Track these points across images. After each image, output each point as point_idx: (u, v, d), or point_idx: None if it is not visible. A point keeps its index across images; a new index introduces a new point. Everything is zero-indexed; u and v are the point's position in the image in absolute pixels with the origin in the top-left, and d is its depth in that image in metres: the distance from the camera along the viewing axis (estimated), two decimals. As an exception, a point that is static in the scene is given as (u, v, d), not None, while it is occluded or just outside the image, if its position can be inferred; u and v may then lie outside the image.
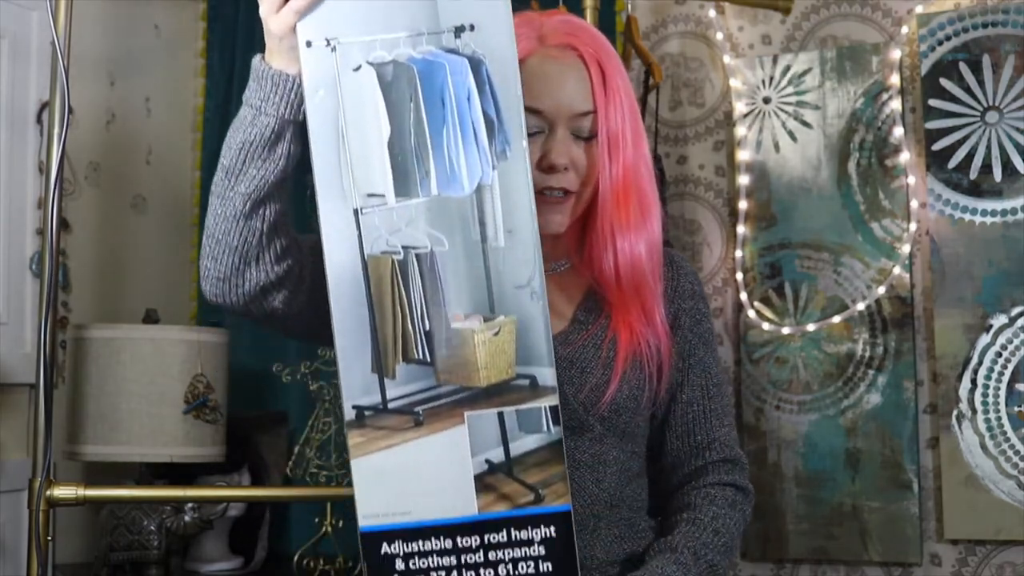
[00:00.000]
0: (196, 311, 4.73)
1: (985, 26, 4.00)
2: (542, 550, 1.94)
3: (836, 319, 4.12)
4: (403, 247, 1.94)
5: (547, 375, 1.95)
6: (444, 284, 1.94)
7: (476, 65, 1.94)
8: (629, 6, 4.18)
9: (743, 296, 4.20)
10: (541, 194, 2.17)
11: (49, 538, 3.27)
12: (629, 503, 2.33)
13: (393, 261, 1.94)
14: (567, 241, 2.33)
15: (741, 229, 4.22)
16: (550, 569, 1.95)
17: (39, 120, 3.93)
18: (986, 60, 3.99)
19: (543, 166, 2.19)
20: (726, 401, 2.41)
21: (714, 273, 4.29)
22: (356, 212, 1.94)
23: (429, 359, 1.94)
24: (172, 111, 4.73)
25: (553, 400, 1.95)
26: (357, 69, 1.93)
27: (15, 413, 3.88)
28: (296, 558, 4.05)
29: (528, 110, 2.10)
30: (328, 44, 1.94)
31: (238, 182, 2.07)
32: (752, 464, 4.16)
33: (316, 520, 4.02)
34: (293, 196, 2.18)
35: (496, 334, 1.94)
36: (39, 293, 3.26)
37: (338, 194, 1.94)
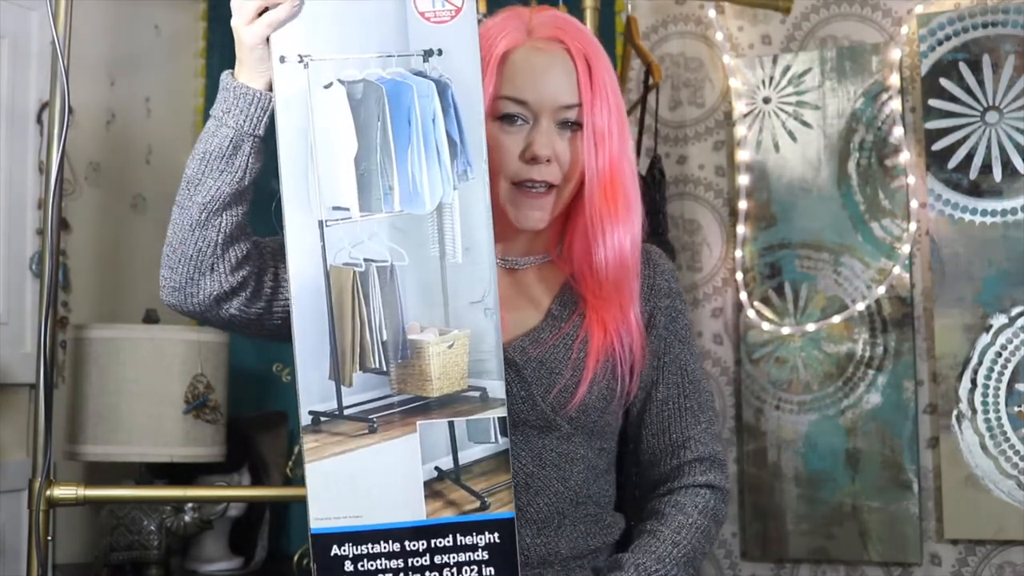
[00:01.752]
0: (196, 311, 4.73)
1: (985, 26, 4.00)
2: (486, 555, 1.99)
3: (836, 319, 4.12)
4: (364, 260, 1.99)
5: (497, 388, 2.00)
6: (402, 297, 1.99)
7: (442, 88, 1.99)
8: (629, 6, 4.18)
9: (743, 296, 4.20)
10: (522, 187, 2.21)
11: (49, 538, 3.28)
12: (596, 499, 2.32)
13: (354, 273, 1.99)
14: (548, 235, 2.34)
15: (741, 229, 4.22)
16: (493, 573, 1.99)
17: (39, 120, 3.93)
18: (986, 60, 3.99)
19: (526, 157, 2.20)
20: (704, 398, 2.39)
21: (714, 273, 4.29)
22: (321, 224, 1.98)
23: (385, 368, 1.99)
24: (172, 111, 4.73)
25: (502, 412, 2.00)
26: (328, 86, 1.99)
27: (15, 413, 3.89)
28: (296, 558, 4.05)
29: (513, 100, 2.18)
30: (301, 60, 2.00)
31: (196, 192, 2.14)
32: (752, 464, 4.16)
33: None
34: (259, 204, 2.21)
35: (450, 347, 2.00)
36: (39, 293, 3.26)
37: (304, 206, 1.99)
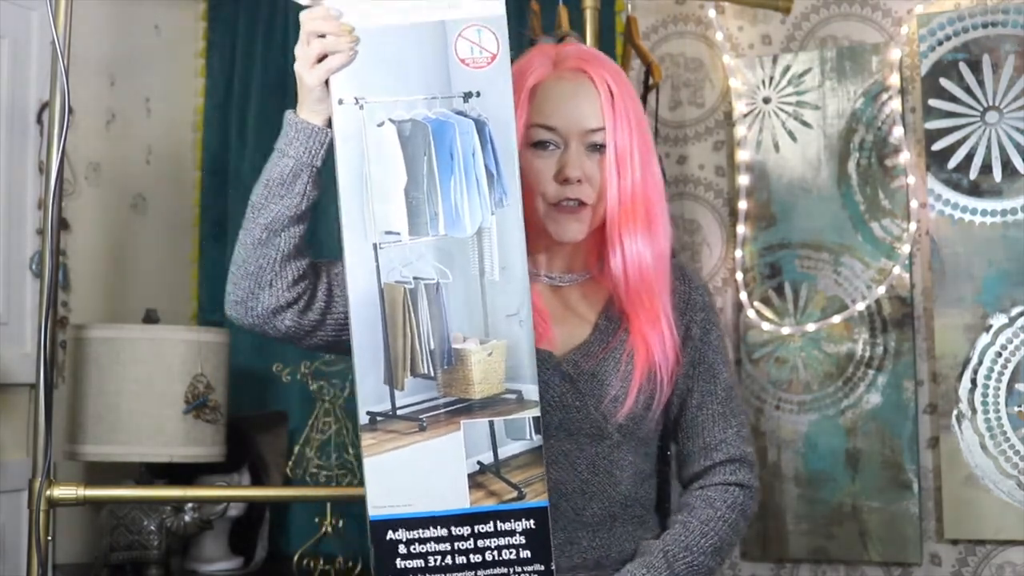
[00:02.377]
0: (196, 311, 4.74)
1: (985, 26, 4.00)
2: (522, 539, 2.21)
3: (836, 319, 4.12)
4: (414, 278, 2.24)
5: (531, 391, 2.23)
6: (447, 311, 2.24)
7: (480, 126, 2.23)
8: (629, 6, 4.18)
9: (743, 296, 4.20)
10: (559, 205, 2.40)
11: (49, 538, 3.27)
12: (642, 502, 2.49)
13: (405, 289, 2.24)
14: (588, 253, 2.51)
15: (741, 229, 4.22)
16: (529, 556, 2.21)
17: (39, 120, 3.93)
18: (986, 60, 3.99)
19: (559, 179, 2.39)
20: (735, 404, 2.54)
21: (714, 273, 4.29)
22: (375, 246, 2.23)
23: (432, 374, 2.23)
24: (172, 111, 4.73)
25: (536, 412, 2.22)
26: (380, 125, 2.23)
27: (15, 413, 3.89)
28: (296, 558, 4.05)
29: (544, 127, 2.41)
30: (357, 103, 2.23)
31: (259, 215, 2.34)
32: (752, 464, 4.17)
33: (316, 520, 4.03)
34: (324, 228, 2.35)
35: (490, 355, 2.24)
36: (39, 293, 3.26)
37: (360, 230, 2.24)
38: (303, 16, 2.25)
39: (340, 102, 2.23)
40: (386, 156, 2.23)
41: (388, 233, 2.23)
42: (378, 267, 2.22)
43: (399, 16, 2.23)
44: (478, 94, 2.22)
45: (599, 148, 2.41)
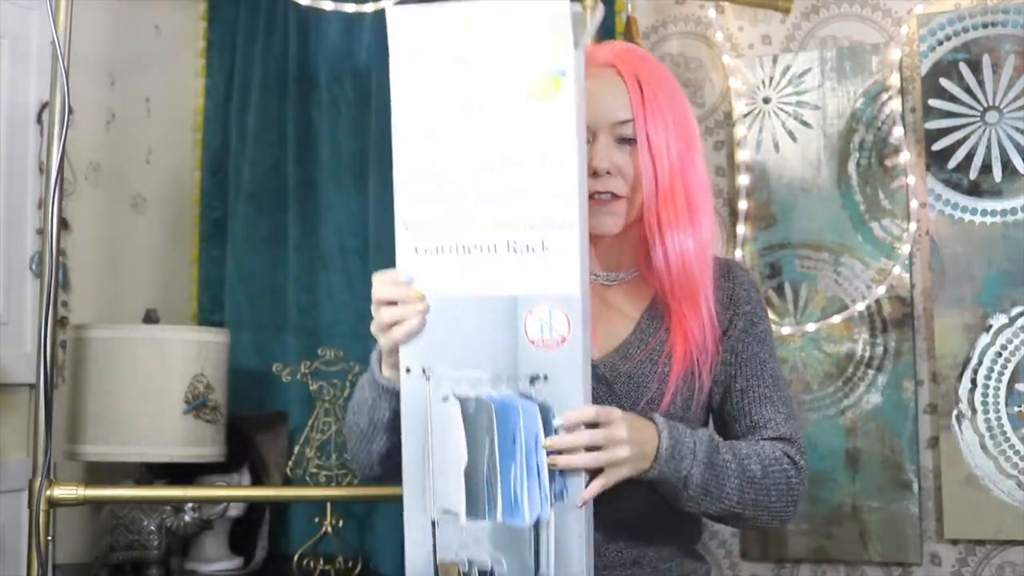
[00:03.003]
0: (196, 311, 4.74)
1: (985, 26, 4.00)
2: None
3: (836, 319, 4.12)
4: (469, 560, 2.20)
5: None
6: None
7: (545, 412, 2.15)
8: (629, 6, 4.18)
9: (743, 296, 4.21)
10: (592, 198, 2.33)
11: (49, 538, 3.28)
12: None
13: (459, 570, 2.20)
14: (634, 250, 2.48)
15: (741, 229, 4.22)
16: None
17: (39, 120, 3.93)
18: (986, 60, 3.99)
19: (589, 172, 2.32)
20: (783, 394, 2.49)
21: (714, 273, 4.30)
22: (433, 523, 2.21)
23: None
24: (172, 111, 4.73)
25: None
26: (445, 399, 2.19)
27: (15, 413, 3.89)
28: (296, 558, 4.05)
29: None
30: (424, 373, 2.21)
31: (369, 443, 2.39)
32: (752, 464, 4.16)
33: (316, 520, 4.03)
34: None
35: None
36: (39, 293, 3.26)
37: (420, 503, 2.21)
38: (375, 280, 2.28)
39: (408, 370, 2.20)
40: (448, 433, 2.19)
41: (446, 512, 2.20)
42: (435, 544, 2.20)
43: (470, 287, 2.17)
44: (545, 378, 2.14)
45: (630, 140, 2.38)
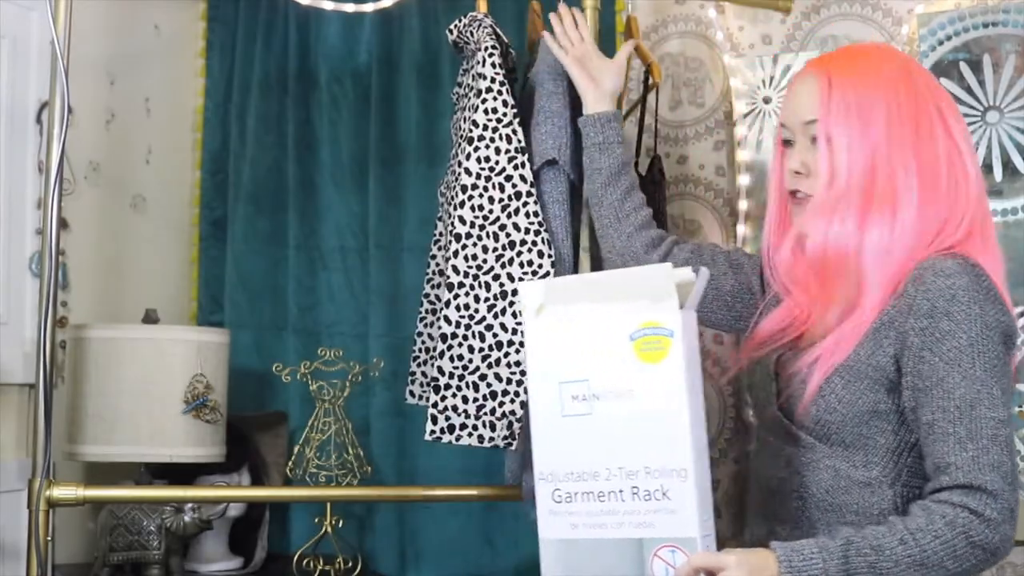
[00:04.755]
0: (196, 311, 4.74)
1: (986, 26, 4.00)
2: None
3: (836, 319, 4.11)
4: None
5: None
6: None
7: None
8: (629, 6, 4.18)
9: (743, 296, 4.20)
10: (793, 196, 2.55)
11: (49, 538, 3.28)
12: (854, 509, 2.43)
13: None
14: None
15: (741, 229, 4.22)
16: None
17: (39, 120, 3.93)
18: (986, 60, 3.99)
19: (789, 172, 2.55)
20: (977, 425, 2.31)
21: (714, 273, 4.29)
22: None
23: None
24: (172, 111, 4.73)
25: None
26: None
27: (14, 413, 3.89)
28: (296, 558, 4.05)
29: (782, 125, 2.59)
30: None
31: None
32: (752, 464, 4.16)
33: (316, 520, 4.02)
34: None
35: None
36: (39, 293, 3.26)
37: None
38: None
39: None
40: None
41: None
42: None
43: (602, 530, 2.33)
44: None
45: (813, 138, 2.50)
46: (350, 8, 3.84)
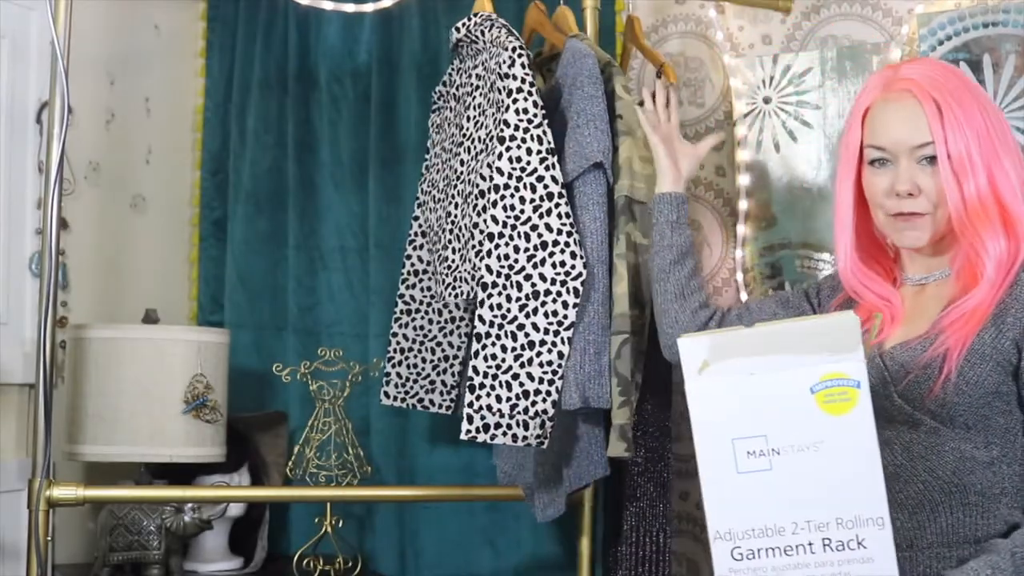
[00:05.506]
0: (196, 311, 4.74)
1: (986, 26, 3.99)
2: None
3: (836, 319, 4.11)
4: None
5: None
6: None
7: None
8: (629, 6, 4.17)
9: (743, 296, 4.20)
10: (897, 216, 2.62)
11: (49, 538, 3.28)
12: (978, 490, 2.50)
13: None
14: (941, 256, 2.69)
15: (741, 229, 4.21)
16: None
17: (39, 120, 3.93)
18: (987, 60, 3.98)
19: (892, 193, 2.62)
20: None
21: (714, 273, 4.29)
22: None
23: None
24: (172, 111, 4.73)
25: None
26: None
27: (15, 413, 3.89)
28: (296, 558, 4.05)
29: (875, 147, 2.65)
30: None
31: None
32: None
33: (316, 520, 4.03)
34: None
35: None
36: (39, 293, 3.26)
37: None
38: None
39: None
40: None
41: None
42: None
43: None
44: None
45: (930, 160, 2.58)
46: (350, 8, 3.85)
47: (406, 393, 3.95)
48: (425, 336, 3.92)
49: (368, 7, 3.89)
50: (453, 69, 3.61)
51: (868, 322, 2.69)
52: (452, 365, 3.90)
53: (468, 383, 3.20)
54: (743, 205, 4.21)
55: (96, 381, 3.83)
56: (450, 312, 3.86)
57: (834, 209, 2.82)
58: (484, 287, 3.21)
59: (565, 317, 3.24)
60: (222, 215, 4.74)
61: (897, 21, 4.11)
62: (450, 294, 3.48)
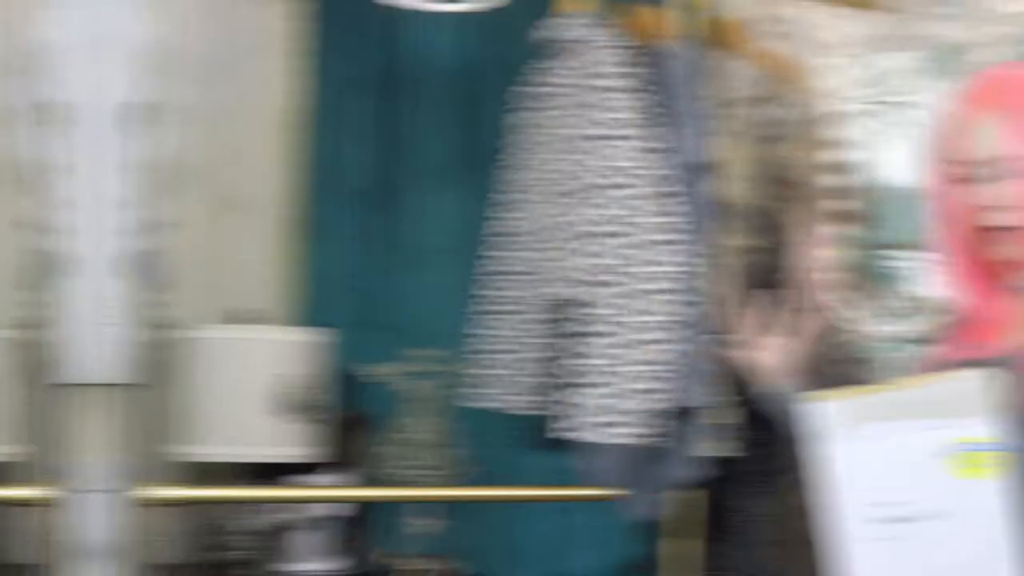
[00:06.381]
0: (291, 311, 4.76)
1: None
2: None
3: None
4: None
5: None
6: None
7: None
8: (730, 8, 4.15)
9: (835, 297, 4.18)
10: (995, 229, 2.59)
11: (144, 538, 3.31)
12: None
13: None
14: None
15: (835, 229, 4.19)
16: None
17: (134, 119, 3.95)
18: None
19: (983, 207, 2.59)
20: None
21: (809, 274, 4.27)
22: None
23: None
24: (267, 110, 4.75)
25: None
26: None
27: (111, 413, 3.92)
28: (398, 559, 4.07)
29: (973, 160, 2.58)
30: None
31: None
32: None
33: (413, 521, 4.04)
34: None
35: None
36: (138, 293, 3.29)
37: None
38: None
39: None
40: None
41: None
42: None
43: None
44: None
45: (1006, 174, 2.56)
46: (451, 8, 3.86)
47: (499, 394, 3.96)
48: (519, 337, 3.92)
49: (465, 6, 3.90)
50: (554, 68, 3.62)
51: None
52: (546, 366, 3.90)
53: (570, 383, 3.22)
54: (835, 205, 4.19)
55: (193, 381, 3.86)
56: (546, 313, 3.86)
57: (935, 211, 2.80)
58: (588, 286, 3.23)
59: (670, 316, 3.24)
60: (317, 215, 4.75)
61: (994, 21, 4.08)
62: (552, 294, 3.50)
